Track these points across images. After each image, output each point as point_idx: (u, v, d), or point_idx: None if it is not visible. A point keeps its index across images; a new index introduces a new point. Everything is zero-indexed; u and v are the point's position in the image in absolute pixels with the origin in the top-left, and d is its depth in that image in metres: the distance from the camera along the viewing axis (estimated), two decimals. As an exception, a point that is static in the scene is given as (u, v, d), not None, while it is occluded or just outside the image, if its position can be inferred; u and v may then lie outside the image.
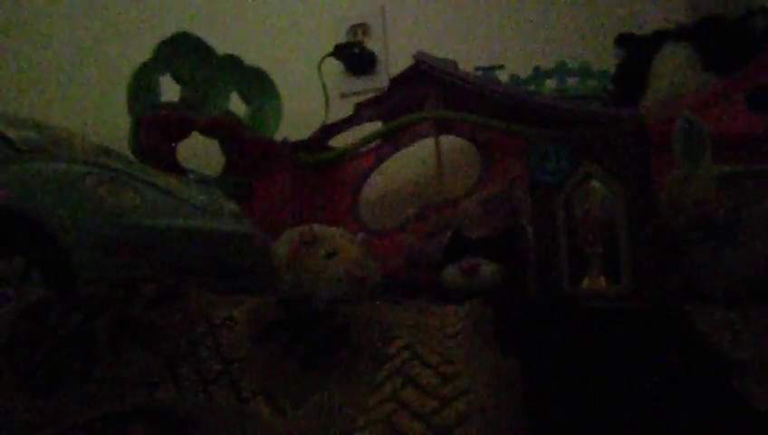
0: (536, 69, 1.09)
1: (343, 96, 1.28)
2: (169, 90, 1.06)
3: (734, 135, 0.74)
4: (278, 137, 1.12)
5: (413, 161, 1.17)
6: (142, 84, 1.00)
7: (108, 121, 1.20)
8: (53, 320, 0.45)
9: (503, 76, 1.09)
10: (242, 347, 0.43)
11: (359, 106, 1.07)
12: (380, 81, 1.25)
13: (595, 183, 0.60)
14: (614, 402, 0.36)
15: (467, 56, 1.11)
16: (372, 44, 1.30)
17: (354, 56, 1.27)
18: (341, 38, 1.30)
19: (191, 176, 1.01)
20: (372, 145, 1.07)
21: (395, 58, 1.28)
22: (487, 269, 0.69)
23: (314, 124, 1.10)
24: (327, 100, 1.14)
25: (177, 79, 1.06)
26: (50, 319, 0.45)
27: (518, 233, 0.73)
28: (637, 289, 0.56)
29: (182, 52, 1.04)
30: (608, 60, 1.04)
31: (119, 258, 0.55)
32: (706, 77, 0.87)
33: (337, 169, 1.08)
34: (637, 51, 0.95)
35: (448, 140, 1.07)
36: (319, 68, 1.17)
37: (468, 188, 1.01)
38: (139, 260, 0.56)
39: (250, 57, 1.15)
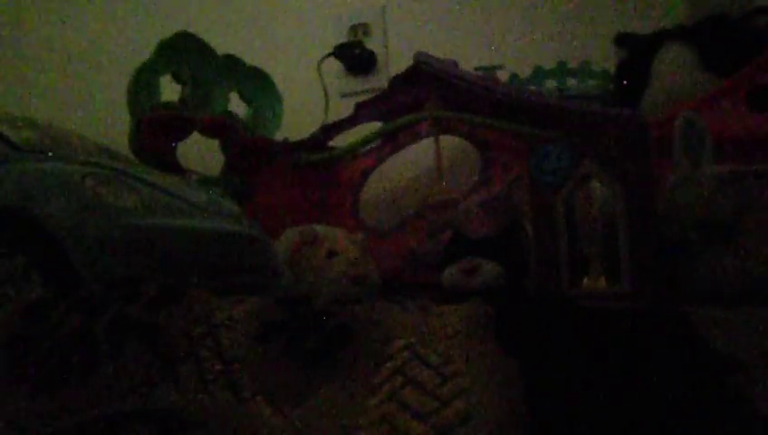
0: (536, 69, 1.09)
1: (343, 96, 1.28)
2: (169, 90, 1.06)
3: (734, 135, 0.74)
4: (278, 137, 1.12)
5: (413, 161, 1.17)
6: (142, 84, 1.00)
7: (108, 121, 1.20)
8: (53, 320, 0.44)
9: (503, 76, 1.09)
10: (242, 347, 0.43)
11: (359, 106, 1.07)
12: (380, 81, 1.25)
13: (595, 183, 0.60)
14: (614, 402, 0.36)
15: (467, 56, 1.11)
16: (372, 44, 1.30)
17: (354, 56, 1.27)
18: (341, 38, 1.30)
19: (191, 176, 1.01)
20: (372, 145, 1.07)
21: (395, 58, 1.28)
22: (487, 269, 0.69)
23: (314, 124, 1.10)
24: (327, 100, 1.14)
25: (177, 79, 1.06)
26: (50, 319, 0.45)
27: (518, 233, 0.73)
28: (637, 289, 0.56)
29: (182, 52, 1.04)
30: (608, 60, 1.04)
31: (119, 258, 0.55)
32: (706, 77, 0.87)
33: (337, 169, 1.08)
34: (637, 51, 0.95)
35: (448, 140, 1.07)
36: (319, 68, 1.17)
37: (468, 188, 1.01)
38: (139, 260, 0.56)
39: (250, 57, 1.15)
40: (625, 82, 0.96)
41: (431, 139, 1.04)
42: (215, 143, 1.07)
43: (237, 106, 1.14)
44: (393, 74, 1.06)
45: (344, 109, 1.11)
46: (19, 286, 0.54)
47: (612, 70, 1.01)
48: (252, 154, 1.05)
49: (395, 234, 1.02)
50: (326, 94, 1.14)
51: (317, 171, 1.08)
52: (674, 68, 0.89)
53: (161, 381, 0.41)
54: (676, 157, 0.61)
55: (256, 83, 1.15)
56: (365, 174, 1.07)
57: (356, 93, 1.25)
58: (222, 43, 1.11)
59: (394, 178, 1.20)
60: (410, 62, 1.01)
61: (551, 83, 1.08)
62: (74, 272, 0.54)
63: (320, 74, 1.16)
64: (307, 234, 0.70)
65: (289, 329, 0.44)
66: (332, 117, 1.11)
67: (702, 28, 0.90)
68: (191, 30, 1.06)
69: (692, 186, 0.58)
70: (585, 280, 0.59)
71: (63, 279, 0.54)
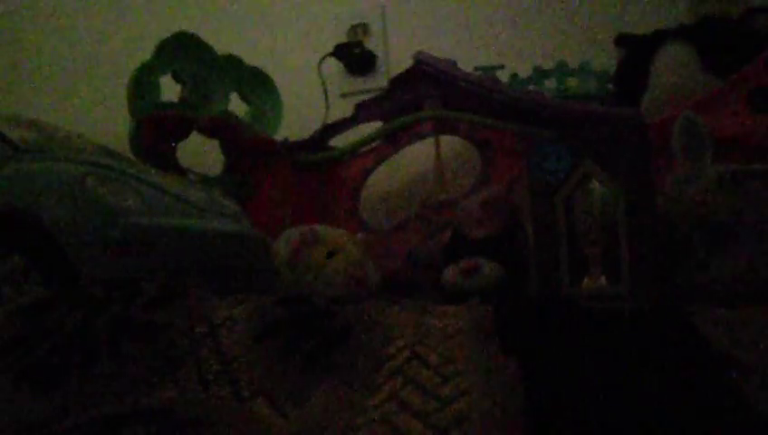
0: (536, 69, 1.09)
1: (343, 96, 1.28)
2: (169, 90, 1.06)
3: (734, 135, 0.74)
4: (278, 137, 1.12)
5: (413, 161, 1.16)
6: (142, 84, 1.00)
7: (108, 121, 1.20)
8: (53, 320, 0.45)
9: (503, 76, 1.09)
10: (242, 347, 0.43)
11: (359, 106, 1.07)
12: (380, 81, 1.25)
13: (595, 183, 0.60)
14: (614, 402, 0.36)
15: (467, 56, 1.11)
16: (372, 44, 1.30)
17: (354, 56, 1.27)
18: (341, 38, 1.30)
19: (191, 176, 1.01)
20: (372, 145, 1.07)
21: (395, 58, 1.28)
22: (487, 269, 0.69)
23: (314, 124, 1.10)
24: (327, 100, 1.14)
25: (177, 79, 1.06)
26: (50, 319, 0.45)
27: (518, 233, 0.73)
28: (637, 289, 0.56)
29: (182, 52, 1.04)
30: (608, 60, 1.04)
31: (119, 258, 0.55)
32: (706, 77, 0.87)
33: (337, 169, 1.08)
34: (637, 51, 0.95)
35: (448, 140, 1.07)
36: (319, 68, 1.17)
37: (468, 188, 1.01)
38: (139, 260, 0.56)
39: (250, 57, 1.15)
40: (625, 83, 0.96)
41: (431, 139, 1.04)
42: (215, 143, 1.07)
43: (237, 106, 1.14)
44: (393, 74, 1.06)
45: (344, 109, 1.11)
46: (19, 286, 0.54)
47: (612, 70, 1.01)
48: (252, 154, 1.05)
49: (395, 234, 1.02)
50: (326, 94, 1.14)
51: (317, 171, 1.08)
52: (674, 68, 0.89)
53: (161, 381, 0.41)
54: (676, 157, 0.61)
55: (256, 83, 1.15)
56: (365, 174, 1.07)
57: (356, 93, 1.25)
58: (222, 43, 1.11)
59: (394, 178, 1.20)
60: (410, 63, 1.01)
61: (551, 83, 1.08)
62: (74, 272, 0.54)
63: (320, 74, 1.16)
64: (307, 234, 0.70)
65: (289, 329, 0.44)
66: (332, 117, 1.11)
67: (702, 28, 0.90)
68: (191, 30, 1.06)
69: (692, 186, 0.58)
70: (585, 280, 0.59)
71: (63, 279, 0.54)
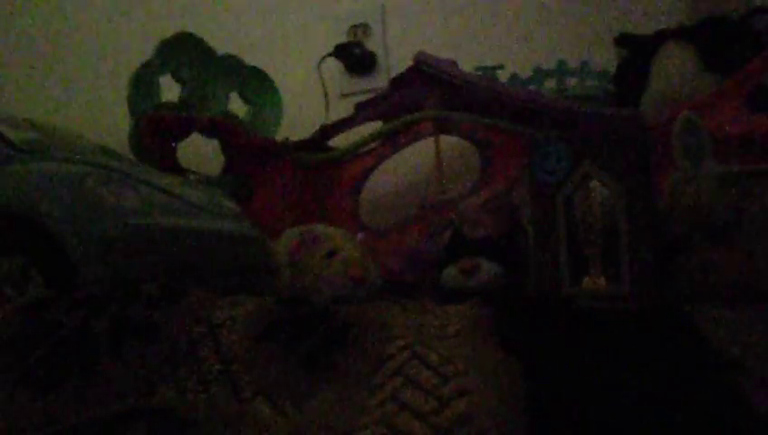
0: (536, 69, 1.09)
1: (343, 96, 1.28)
2: (169, 90, 1.06)
3: (734, 135, 0.74)
4: (278, 137, 1.12)
5: (413, 161, 1.16)
6: (142, 84, 1.00)
7: (108, 121, 1.20)
8: (53, 320, 0.45)
9: (503, 76, 1.09)
10: (242, 347, 0.43)
11: (359, 106, 1.07)
12: (380, 81, 1.25)
13: (595, 183, 0.60)
14: (614, 402, 0.36)
15: (467, 56, 1.11)
16: (372, 44, 1.30)
17: (354, 56, 1.27)
18: (341, 38, 1.30)
19: (191, 176, 1.01)
20: (372, 145, 1.07)
21: (395, 58, 1.28)
22: (487, 269, 0.69)
23: (314, 124, 1.10)
24: (327, 100, 1.14)
25: (177, 79, 1.06)
26: (50, 319, 0.45)
27: (518, 233, 0.73)
28: (637, 289, 0.56)
29: (182, 52, 1.04)
30: (608, 60, 1.04)
31: (119, 258, 0.55)
32: (706, 77, 0.87)
33: (337, 169, 1.08)
34: (637, 51, 0.95)
35: (448, 140, 1.06)
36: (319, 68, 1.17)
37: (468, 188, 1.01)
38: (139, 260, 0.56)
39: (250, 57, 1.15)
40: (625, 83, 0.96)
41: (431, 139, 1.04)
42: (215, 143, 1.07)
43: (237, 106, 1.14)
44: (393, 74, 1.06)
45: (344, 109, 1.11)
46: (19, 286, 0.54)
47: (612, 70, 1.01)
48: (252, 154, 1.05)
49: (395, 234, 1.02)
50: (326, 94, 1.14)
51: (317, 171, 1.08)
52: (674, 68, 0.89)
53: (161, 381, 0.41)
54: (676, 157, 0.61)
55: (256, 83, 1.15)
56: (365, 174, 1.07)
57: (356, 93, 1.25)
58: (222, 43, 1.11)
59: (394, 178, 1.20)
60: (410, 63, 1.01)
61: (551, 83, 1.08)
62: (74, 272, 0.54)
63: (320, 74, 1.16)
64: (307, 234, 0.70)
65: (289, 329, 0.44)
66: (332, 117, 1.11)
67: (702, 28, 0.90)
68: (191, 30, 1.06)
69: (692, 186, 0.58)
70: (585, 280, 0.59)
71: (63, 279, 0.54)
